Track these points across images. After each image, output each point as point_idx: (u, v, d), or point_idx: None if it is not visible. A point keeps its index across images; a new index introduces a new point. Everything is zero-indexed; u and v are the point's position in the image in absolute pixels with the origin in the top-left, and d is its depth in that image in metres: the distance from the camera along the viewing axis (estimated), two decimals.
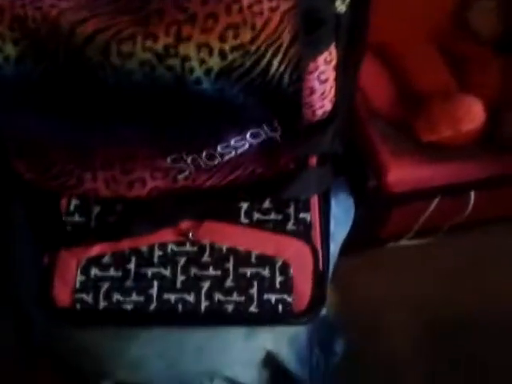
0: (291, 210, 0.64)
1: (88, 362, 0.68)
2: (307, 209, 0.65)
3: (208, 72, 0.52)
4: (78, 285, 0.62)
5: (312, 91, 0.57)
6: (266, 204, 0.65)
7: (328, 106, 0.61)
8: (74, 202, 0.65)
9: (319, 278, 0.62)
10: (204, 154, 0.60)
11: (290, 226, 0.64)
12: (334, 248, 0.73)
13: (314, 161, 0.66)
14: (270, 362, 0.70)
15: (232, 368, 0.66)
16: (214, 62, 0.51)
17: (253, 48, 0.51)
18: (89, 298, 0.61)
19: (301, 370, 0.73)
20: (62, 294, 0.62)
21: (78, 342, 0.67)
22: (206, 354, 0.65)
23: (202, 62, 0.51)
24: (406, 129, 0.78)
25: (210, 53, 0.51)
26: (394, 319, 1.02)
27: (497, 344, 1.01)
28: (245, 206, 0.64)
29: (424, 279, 1.04)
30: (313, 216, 0.65)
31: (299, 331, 0.71)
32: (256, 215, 0.64)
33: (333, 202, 0.71)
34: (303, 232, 0.64)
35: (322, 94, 0.59)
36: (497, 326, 1.02)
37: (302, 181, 0.64)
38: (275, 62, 0.52)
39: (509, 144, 0.75)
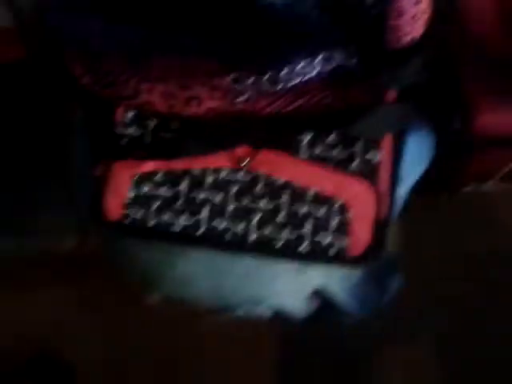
0: (359, 148, 0.58)
1: (138, 273, 0.68)
2: (377, 147, 0.58)
3: None
4: (128, 200, 0.60)
5: (401, 13, 0.50)
6: (331, 138, 0.58)
7: (418, 31, 0.53)
8: (131, 113, 0.62)
9: (380, 224, 0.57)
10: (267, 76, 0.54)
11: (356, 164, 0.58)
12: (405, 189, 0.67)
13: (392, 95, 0.59)
14: (319, 296, 0.67)
15: (279, 298, 0.64)
16: None
17: None
18: (138, 215, 0.60)
19: (352, 305, 0.71)
20: (113, 207, 0.60)
21: (130, 254, 0.67)
22: (252, 281, 0.63)
23: None
24: (508, 66, 0.67)
25: None
26: (454, 264, 0.96)
27: None
28: (307, 138, 0.59)
29: (496, 228, 0.97)
30: (383, 156, 0.58)
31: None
32: (318, 150, 0.58)
33: (410, 140, 0.64)
34: (369, 173, 0.57)
35: (413, 17, 0.51)
36: None
37: (375, 117, 0.57)
38: None
39: None
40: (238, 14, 0.49)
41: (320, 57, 0.53)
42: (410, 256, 0.87)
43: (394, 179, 0.59)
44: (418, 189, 0.72)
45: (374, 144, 0.58)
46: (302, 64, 0.53)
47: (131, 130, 0.62)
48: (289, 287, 0.64)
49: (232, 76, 0.55)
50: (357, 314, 0.73)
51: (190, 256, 0.63)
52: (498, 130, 0.67)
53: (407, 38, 0.53)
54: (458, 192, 0.91)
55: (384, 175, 0.58)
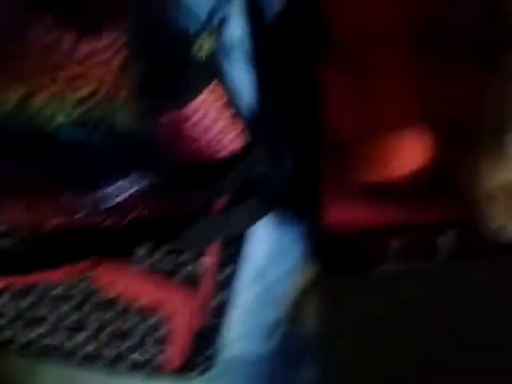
0: (187, 257, 0.60)
1: None
2: (203, 254, 0.60)
3: (63, 122, 0.50)
4: None
5: (194, 139, 0.53)
6: (165, 248, 0.61)
7: (234, 144, 0.57)
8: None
9: (202, 333, 0.59)
10: (90, 197, 0.58)
11: (182, 274, 0.60)
12: (268, 285, 0.68)
13: (221, 202, 0.62)
14: None
15: None
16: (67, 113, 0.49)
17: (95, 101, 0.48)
18: None
19: None
20: None
21: None
22: None
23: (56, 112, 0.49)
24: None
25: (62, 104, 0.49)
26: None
27: None
28: (144, 249, 0.62)
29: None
30: (207, 263, 0.60)
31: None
32: (152, 260, 0.61)
33: (265, 235, 0.66)
34: (192, 282, 0.60)
35: (218, 134, 0.55)
36: None
37: (198, 228, 0.59)
38: (120, 117, 0.49)
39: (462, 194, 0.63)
40: (36, 149, 0.54)
41: (132, 176, 0.57)
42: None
43: (224, 284, 0.60)
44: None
45: (201, 251, 0.60)
46: (118, 184, 0.57)
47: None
48: None
49: (66, 195, 0.59)
50: None
51: (48, 369, 0.66)
52: (344, 228, 0.68)
53: (223, 153, 0.56)
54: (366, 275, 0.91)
55: (207, 282, 0.60)
